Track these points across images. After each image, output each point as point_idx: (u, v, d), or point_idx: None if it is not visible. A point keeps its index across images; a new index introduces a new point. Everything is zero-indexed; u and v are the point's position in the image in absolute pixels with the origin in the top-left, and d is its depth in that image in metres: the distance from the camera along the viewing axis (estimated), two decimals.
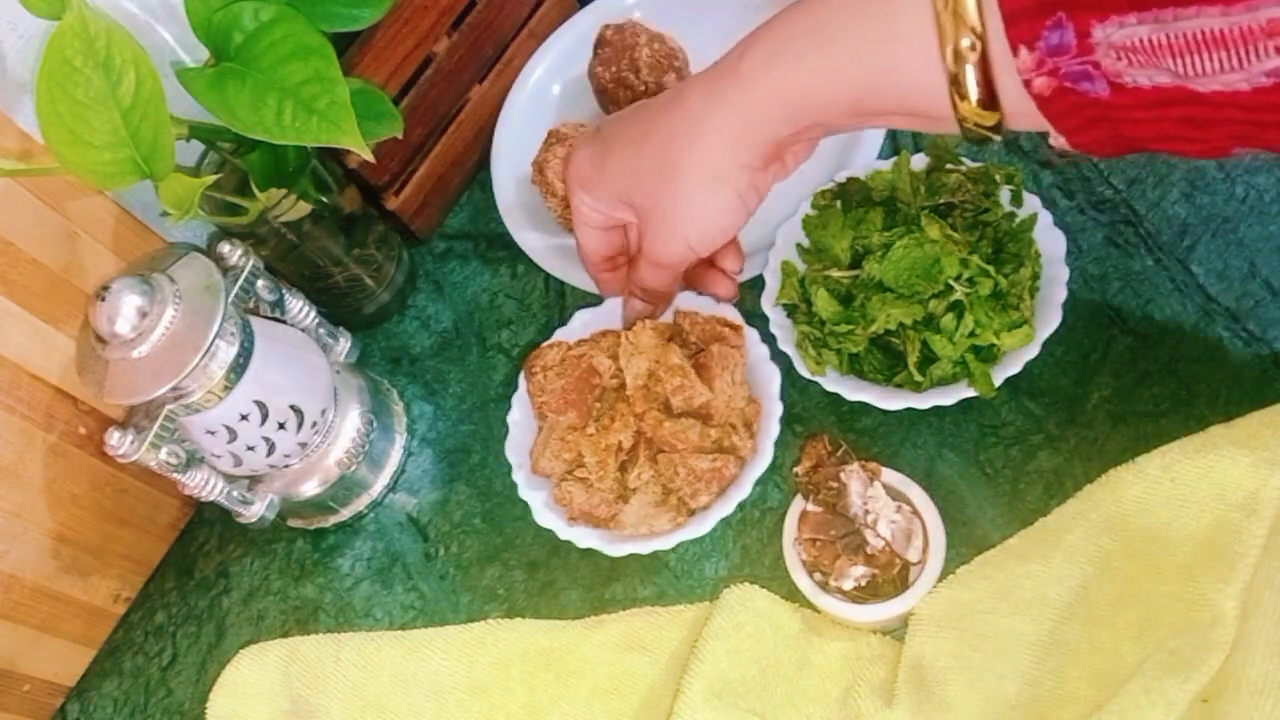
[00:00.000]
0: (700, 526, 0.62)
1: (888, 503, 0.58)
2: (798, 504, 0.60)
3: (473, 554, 0.70)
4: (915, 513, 0.59)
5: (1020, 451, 0.63)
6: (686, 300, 0.68)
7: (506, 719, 0.64)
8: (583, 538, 0.63)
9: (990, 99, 0.44)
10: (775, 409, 0.63)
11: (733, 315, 0.67)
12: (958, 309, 0.61)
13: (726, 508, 0.62)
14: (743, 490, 0.62)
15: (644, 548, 0.62)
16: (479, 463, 0.73)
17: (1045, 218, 0.64)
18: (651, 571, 0.66)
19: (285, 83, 0.60)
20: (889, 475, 0.60)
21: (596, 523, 0.64)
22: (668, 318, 0.68)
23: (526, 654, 0.65)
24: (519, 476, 0.66)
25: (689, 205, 0.56)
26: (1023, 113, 0.44)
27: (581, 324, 0.70)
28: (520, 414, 0.68)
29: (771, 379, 0.65)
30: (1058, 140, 0.45)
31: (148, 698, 0.72)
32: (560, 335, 0.70)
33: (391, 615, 0.70)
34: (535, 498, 0.65)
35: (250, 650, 0.68)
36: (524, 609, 0.68)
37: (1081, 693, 0.55)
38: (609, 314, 0.69)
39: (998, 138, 0.46)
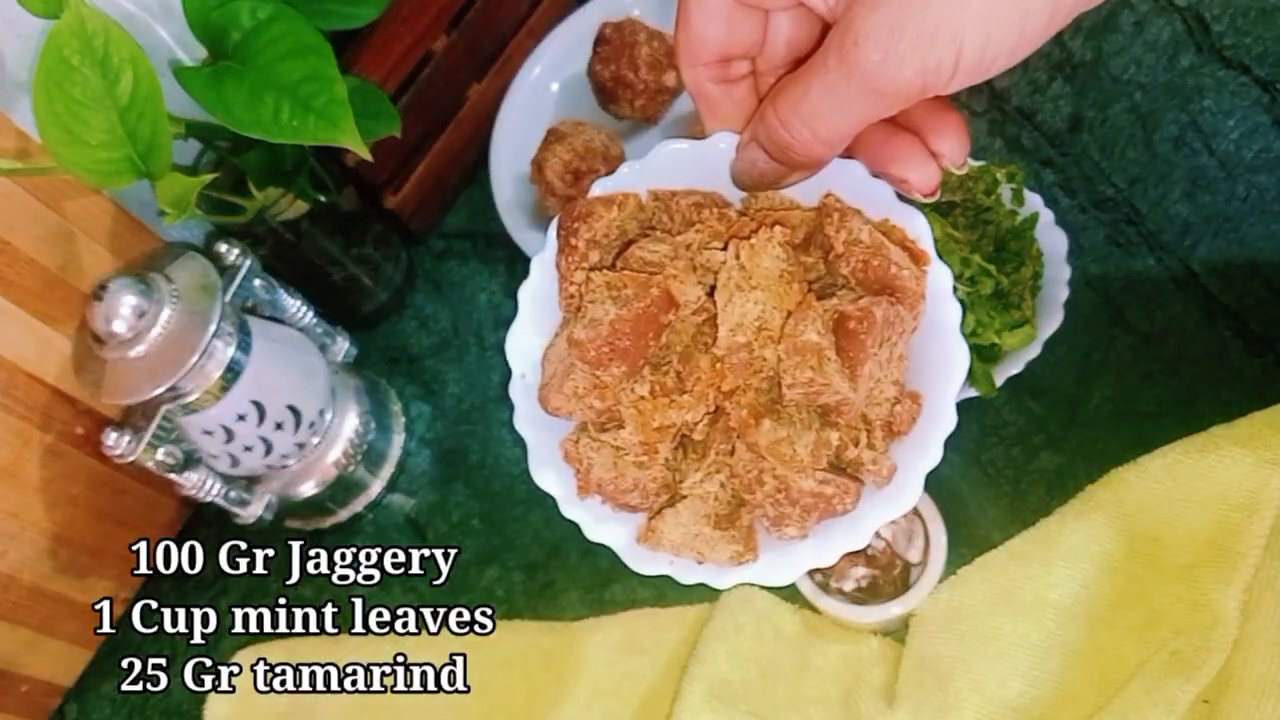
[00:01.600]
0: (776, 570, 0.39)
1: None
2: None
3: (471, 555, 0.70)
4: (916, 513, 0.59)
5: (1022, 451, 0.63)
6: (844, 177, 0.38)
7: (506, 719, 0.64)
8: (595, 525, 0.40)
9: None
10: (947, 418, 0.38)
11: (919, 233, 0.39)
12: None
13: (824, 555, 0.39)
14: (855, 535, 0.38)
15: (683, 576, 0.40)
16: (477, 463, 0.73)
17: (1047, 217, 0.64)
18: None
19: (283, 81, 0.59)
20: None
21: (619, 507, 0.41)
22: (809, 194, 0.40)
23: (526, 655, 0.65)
24: (518, 394, 0.41)
25: None
26: None
27: (668, 164, 0.40)
28: (538, 292, 0.41)
29: (952, 365, 0.38)
30: None
31: (146, 698, 0.72)
32: (628, 174, 0.41)
33: (390, 616, 0.69)
34: (538, 441, 0.41)
35: (248, 650, 0.68)
36: (523, 610, 0.67)
37: (1083, 693, 0.55)
38: (715, 158, 0.39)
39: None
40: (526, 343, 0.41)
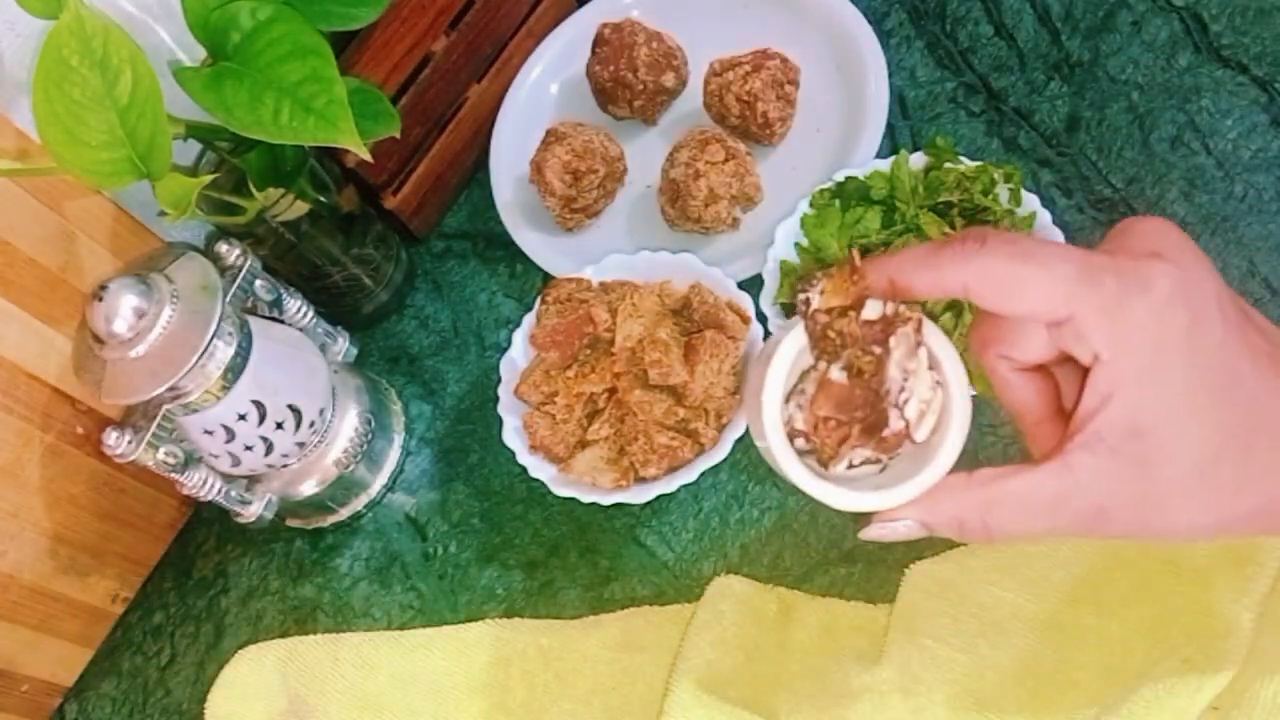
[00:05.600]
0: (639, 495, 0.63)
1: (927, 377, 0.42)
2: (790, 344, 0.41)
3: (471, 554, 0.70)
4: (941, 383, 0.42)
5: (1019, 450, 0.63)
6: (709, 276, 0.67)
7: (505, 718, 0.64)
8: (536, 468, 0.66)
9: None
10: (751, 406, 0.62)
11: (745, 305, 0.66)
12: (956, 308, 0.61)
13: (670, 486, 0.63)
14: (689, 475, 0.63)
15: (583, 496, 0.64)
16: (477, 462, 0.73)
17: (1044, 216, 0.64)
18: (650, 571, 0.66)
19: (283, 82, 0.60)
20: (930, 334, 0.42)
21: (552, 458, 0.66)
22: (681, 288, 0.68)
23: (525, 653, 0.65)
24: (503, 392, 0.68)
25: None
26: None
27: (613, 266, 0.70)
28: (525, 336, 0.70)
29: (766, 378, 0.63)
30: None
31: (146, 698, 0.72)
32: (589, 271, 0.70)
33: (390, 615, 0.70)
34: (509, 419, 0.68)
35: (248, 650, 0.68)
36: (522, 609, 0.67)
37: (1086, 680, 0.55)
38: (642, 265, 0.69)
39: None
40: (513, 366, 0.69)
